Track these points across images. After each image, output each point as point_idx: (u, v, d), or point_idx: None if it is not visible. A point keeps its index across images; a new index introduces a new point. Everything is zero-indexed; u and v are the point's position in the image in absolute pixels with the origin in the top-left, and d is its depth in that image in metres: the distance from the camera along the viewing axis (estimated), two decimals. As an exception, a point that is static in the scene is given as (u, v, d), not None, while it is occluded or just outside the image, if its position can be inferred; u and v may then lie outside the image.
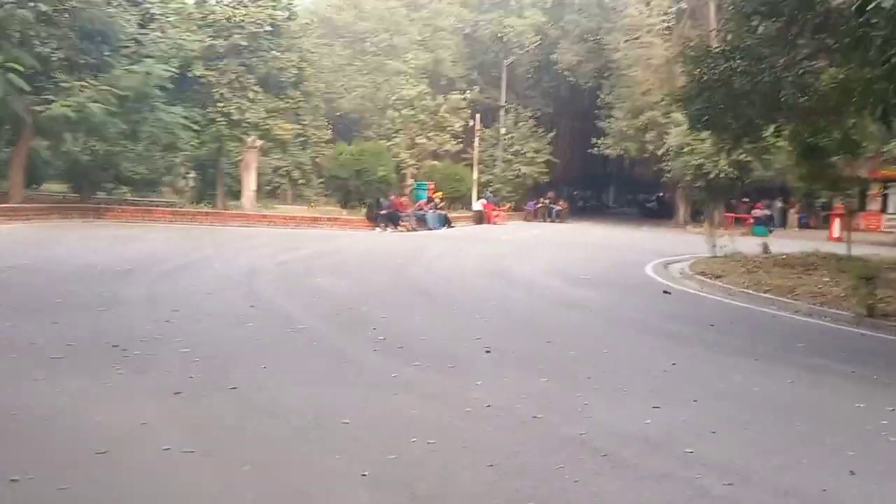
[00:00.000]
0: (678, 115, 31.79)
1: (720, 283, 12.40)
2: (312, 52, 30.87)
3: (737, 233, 31.62)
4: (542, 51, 36.35)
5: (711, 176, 28.98)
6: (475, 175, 33.33)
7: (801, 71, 12.94)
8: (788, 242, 18.62)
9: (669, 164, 31.30)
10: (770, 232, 29.44)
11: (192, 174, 24.26)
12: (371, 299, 9.21)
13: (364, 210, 24.48)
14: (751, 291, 11.36)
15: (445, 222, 25.92)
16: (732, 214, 32.31)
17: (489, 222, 30.23)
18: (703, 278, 13.19)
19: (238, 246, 16.04)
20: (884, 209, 31.73)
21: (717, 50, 13.49)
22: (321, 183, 32.50)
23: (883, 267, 15.76)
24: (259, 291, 9.41)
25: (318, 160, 32.80)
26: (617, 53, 33.05)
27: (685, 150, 29.63)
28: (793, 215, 31.66)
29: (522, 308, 9.32)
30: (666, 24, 32.18)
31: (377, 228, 22.91)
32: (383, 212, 23.42)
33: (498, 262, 14.85)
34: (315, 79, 30.33)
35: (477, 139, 34.10)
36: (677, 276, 14.47)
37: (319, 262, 13.31)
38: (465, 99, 30.98)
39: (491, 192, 33.54)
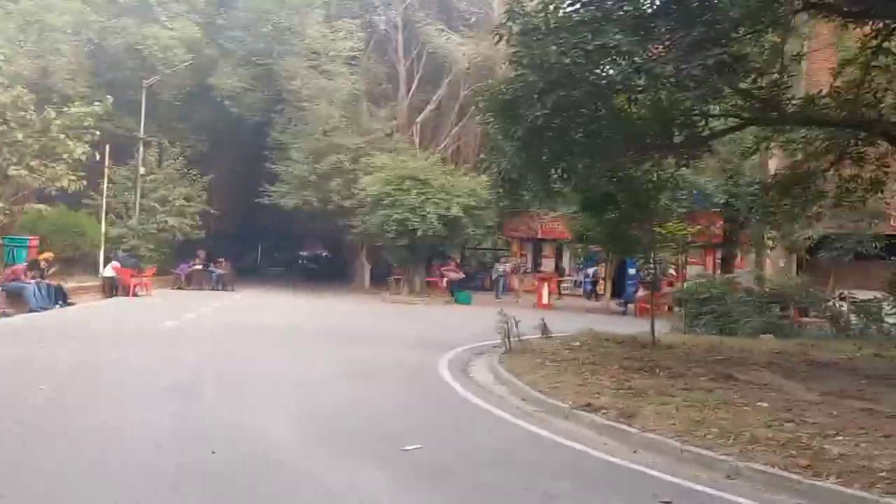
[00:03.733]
0: (370, 159, 26.68)
1: (633, 430, 6.49)
2: None
3: (440, 300, 27.73)
4: (196, 73, 28.14)
5: (419, 233, 24.05)
6: (104, 227, 23.76)
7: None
8: (519, 312, 13.09)
9: (365, 217, 25.79)
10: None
11: None
12: None
13: None
14: (726, 458, 5.56)
15: (59, 298, 16.73)
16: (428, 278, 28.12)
17: (129, 294, 21.20)
18: (593, 416, 7.14)
19: None
20: (556, 270, 30.05)
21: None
22: None
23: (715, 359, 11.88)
24: None
25: None
26: (294, 82, 26.79)
27: (385, 201, 24.42)
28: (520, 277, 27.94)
29: None
30: (353, 52, 27.04)
31: (-74, 318, 12.88)
32: (-60, 287, 13.39)
33: (203, 403, 7.07)
34: None
35: (106, 179, 24.56)
36: (517, 401, 8.31)
37: None
38: (90, 115, 21.30)
39: (125, 252, 24.30)
